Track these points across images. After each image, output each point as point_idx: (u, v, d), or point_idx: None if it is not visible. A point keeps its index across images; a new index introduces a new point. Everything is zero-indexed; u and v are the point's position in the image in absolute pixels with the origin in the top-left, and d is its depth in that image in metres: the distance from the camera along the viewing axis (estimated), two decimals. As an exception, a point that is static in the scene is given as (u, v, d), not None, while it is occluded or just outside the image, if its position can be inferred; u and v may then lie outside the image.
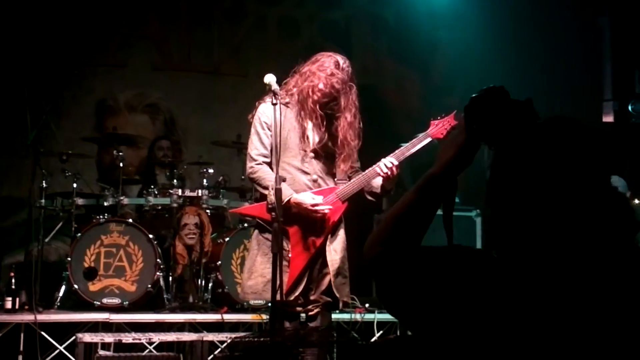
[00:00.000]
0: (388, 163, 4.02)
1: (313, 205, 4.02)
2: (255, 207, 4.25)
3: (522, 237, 1.50)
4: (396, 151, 4.11)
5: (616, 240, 1.46)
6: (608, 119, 6.89)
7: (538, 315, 1.41)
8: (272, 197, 3.90)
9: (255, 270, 4.11)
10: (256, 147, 4.14)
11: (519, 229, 1.51)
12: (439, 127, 4.16)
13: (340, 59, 4.13)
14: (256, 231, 4.21)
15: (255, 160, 4.12)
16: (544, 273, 1.44)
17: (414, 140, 4.16)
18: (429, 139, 4.15)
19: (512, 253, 1.51)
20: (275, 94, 3.97)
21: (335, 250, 4.14)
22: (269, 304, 4.07)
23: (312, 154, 4.15)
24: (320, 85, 4.07)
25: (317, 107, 4.09)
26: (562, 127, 1.53)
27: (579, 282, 1.43)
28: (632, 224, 1.47)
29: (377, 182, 4.13)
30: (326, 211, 4.05)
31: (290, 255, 4.07)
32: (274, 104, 3.97)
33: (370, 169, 4.10)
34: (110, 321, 5.34)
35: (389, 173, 4.02)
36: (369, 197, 4.24)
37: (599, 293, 1.42)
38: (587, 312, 1.40)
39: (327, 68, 4.08)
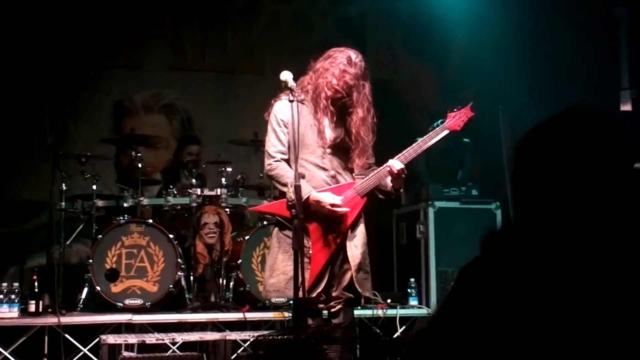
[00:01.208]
0: (395, 166, 4.02)
1: (332, 205, 4.02)
2: (274, 204, 4.25)
3: (546, 225, 1.49)
4: (409, 148, 4.10)
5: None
6: (626, 107, 6.83)
7: (562, 308, 1.40)
8: (291, 194, 3.89)
9: (277, 268, 4.11)
10: (274, 145, 4.13)
11: (542, 217, 1.49)
12: (456, 118, 4.17)
13: (353, 54, 4.12)
14: (276, 229, 4.21)
15: (273, 158, 4.12)
16: (569, 261, 1.43)
17: (430, 133, 4.16)
18: (446, 131, 4.15)
19: (537, 240, 1.49)
20: (291, 91, 3.96)
21: (355, 246, 4.14)
22: (291, 302, 4.07)
23: (329, 150, 4.14)
24: (334, 81, 4.06)
25: (331, 102, 4.08)
26: (584, 117, 1.52)
27: (604, 271, 1.41)
28: None
29: (388, 180, 4.13)
30: (344, 212, 4.05)
31: (311, 252, 4.07)
32: (291, 101, 3.97)
33: (382, 167, 4.09)
34: (133, 322, 5.37)
35: (399, 173, 4.02)
36: (380, 195, 4.24)
37: (626, 281, 1.41)
38: (612, 299, 1.39)
39: (339, 64, 4.08)
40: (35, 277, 5.46)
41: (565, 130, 1.51)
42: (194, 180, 6.11)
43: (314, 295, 4.05)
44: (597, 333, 1.37)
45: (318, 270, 4.06)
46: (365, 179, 4.13)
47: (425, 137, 4.15)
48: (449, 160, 6.64)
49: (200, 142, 7.11)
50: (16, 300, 5.30)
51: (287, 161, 4.10)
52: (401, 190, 4.24)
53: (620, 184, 1.46)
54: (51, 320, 5.24)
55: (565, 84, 6.79)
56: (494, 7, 7.39)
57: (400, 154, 4.09)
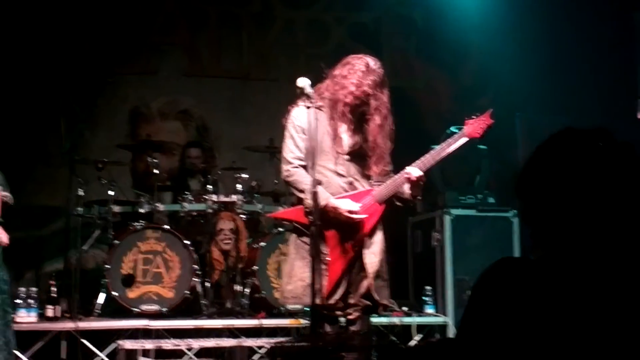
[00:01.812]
0: (413, 174, 4.00)
1: (350, 212, 4.01)
2: (292, 210, 4.24)
3: (555, 243, 1.49)
4: (426, 155, 4.08)
5: None
6: (643, 115, 6.81)
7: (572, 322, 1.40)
8: (309, 201, 3.89)
9: (295, 275, 4.10)
10: (291, 151, 4.12)
11: (552, 238, 1.50)
12: (474, 126, 4.11)
13: (371, 61, 4.10)
14: (294, 235, 4.20)
15: (291, 164, 4.11)
16: (577, 279, 1.43)
17: (448, 140, 4.10)
18: (465, 139, 4.09)
19: (549, 257, 1.50)
20: (309, 97, 3.96)
21: (373, 254, 4.12)
22: (307, 309, 4.06)
23: (346, 157, 4.13)
24: (352, 88, 4.04)
25: (349, 109, 4.08)
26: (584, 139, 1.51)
27: (609, 290, 1.41)
28: None
29: (406, 187, 4.11)
30: (362, 219, 4.04)
31: (328, 258, 4.06)
32: (308, 107, 3.96)
33: (399, 174, 4.08)
34: (150, 327, 5.38)
35: (418, 180, 4.00)
36: (397, 202, 4.21)
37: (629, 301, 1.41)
38: (616, 318, 1.39)
39: (357, 70, 4.06)
40: (52, 282, 5.48)
41: (566, 156, 1.50)
42: (209, 187, 6.12)
43: (332, 302, 4.05)
44: (611, 347, 1.37)
45: (336, 278, 4.05)
46: (383, 186, 4.12)
47: (443, 144, 4.10)
48: (466, 167, 6.62)
49: (203, 146, 7.11)
50: (34, 305, 5.32)
51: (305, 167, 4.09)
52: (419, 197, 4.22)
53: (627, 204, 1.46)
54: (69, 325, 5.26)
55: (582, 92, 6.77)
56: (510, 14, 7.38)
57: (418, 161, 4.06)
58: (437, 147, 4.10)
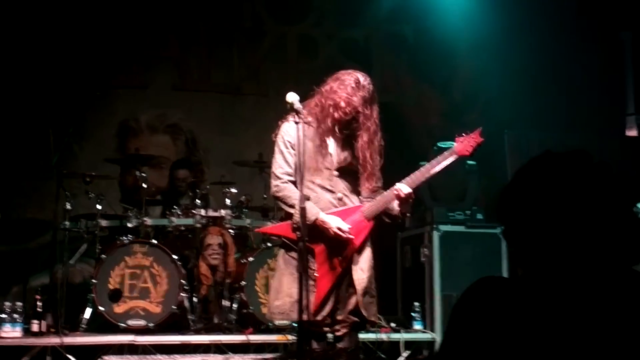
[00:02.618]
0: (403, 190, 4.00)
1: (338, 229, 4.00)
2: (281, 226, 4.22)
3: (534, 263, 1.50)
4: (416, 172, 4.08)
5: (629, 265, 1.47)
6: (631, 132, 6.84)
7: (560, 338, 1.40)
8: (297, 217, 3.88)
9: (282, 291, 4.08)
10: (280, 166, 4.12)
11: (531, 258, 1.52)
12: (464, 144, 4.12)
13: (361, 77, 4.11)
14: (282, 250, 4.18)
15: (280, 179, 4.10)
16: (561, 297, 1.44)
17: (438, 157, 4.11)
18: (455, 156, 4.10)
19: (533, 274, 1.51)
20: (298, 112, 3.95)
21: (362, 270, 4.11)
22: (295, 325, 4.04)
23: (336, 173, 4.13)
24: (342, 104, 4.05)
25: (339, 125, 4.08)
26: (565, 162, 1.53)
27: (593, 309, 1.43)
28: None
29: (395, 204, 4.10)
30: (349, 239, 4.03)
31: (316, 274, 4.04)
32: (297, 123, 3.96)
33: (389, 190, 4.07)
34: (136, 343, 5.33)
35: (407, 197, 4.00)
36: (386, 219, 4.21)
37: (615, 321, 1.41)
38: (602, 339, 1.40)
39: (347, 86, 4.06)
40: (38, 297, 5.43)
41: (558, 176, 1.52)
42: (197, 201, 6.10)
43: (320, 318, 4.03)
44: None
45: (324, 293, 4.03)
46: (372, 203, 4.11)
47: (432, 161, 4.10)
48: (454, 182, 6.63)
49: (191, 166, 7.03)
50: (19, 320, 5.27)
51: (294, 183, 4.09)
52: (408, 214, 4.21)
53: (609, 225, 1.48)
54: (54, 340, 5.20)
55: (571, 109, 6.80)
56: (500, 32, 7.41)
57: (407, 178, 4.07)
58: (427, 164, 4.10)
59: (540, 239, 1.49)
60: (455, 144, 4.12)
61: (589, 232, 1.47)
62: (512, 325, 1.43)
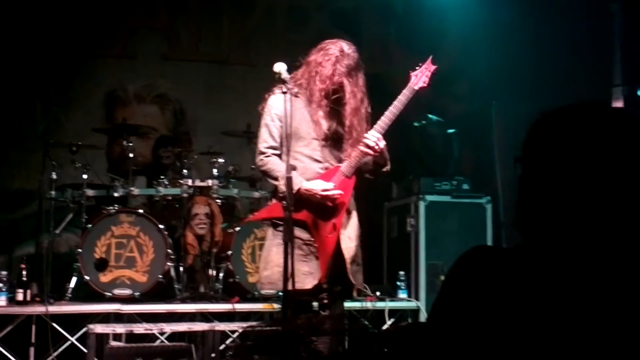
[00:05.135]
0: (371, 139, 3.99)
1: (324, 191, 4.01)
2: (267, 209, 4.27)
3: (542, 231, 1.46)
4: (382, 117, 4.08)
5: None
6: (618, 104, 6.82)
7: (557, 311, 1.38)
8: (282, 187, 3.89)
9: (271, 261, 4.09)
10: (265, 140, 4.12)
11: (540, 224, 1.46)
12: (419, 77, 4.18)
13: (345, 45, 4.11)
14: (271, 227, 4.20)
15: (264, 153, 4.11)
16: (566, 268, 1.40)
17: (399, 97, 4.13)
18: (412, 91, 4.15)
19: (541, 239, 1.46)
20: (284, 83, 3.94)
21: (349, 238, 4.12)
22: (282, 293, 4.06)
23: (323, 142, 4.13)
24: (327, 73, 4.05)
25: (325, 95, 4.07)
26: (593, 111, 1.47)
27: (599, 280, 1.38)
28: None
29: (369, 158, 4.12)
30: (337, 195, 4.03)
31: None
32: (284, 93, 3.95)
33: (357, 147, 4.07)
34: (122, 312, 5.35)
35: (374, 148, 4.00)
36: (368, 176, 4.22)
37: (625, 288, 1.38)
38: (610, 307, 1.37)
39: (332, 55, 4.06)
40: (23, 266, 5.42)
41: (577, 124, 1.46)
42: (185, 171, 6.09)
43: (325, 286, 4.02)
44: (596, 334, 1.36)
45: (328, 258, 4.03)
46: (348, 160, 4.11)
47: (395, 102, 4.12)
48: (437, 150, 6.66)
49: (176, 142, 6.91)
50: (4, 289, 5.27)
51: (279, 156, 4.09)
52: (388, 165, 4.19)
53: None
54: (39, 309, 5.21)
55: (559, 81, 6.79)
56: (488, 3, 7.38)
57: (375, 125, 4.07)
58: (390, 107, 4.11)
59: (560, 195, 1.42)
60: (411, 79, 4.16)
61: (611, 188, 1.40)
62: (511, 294, 1.39)
